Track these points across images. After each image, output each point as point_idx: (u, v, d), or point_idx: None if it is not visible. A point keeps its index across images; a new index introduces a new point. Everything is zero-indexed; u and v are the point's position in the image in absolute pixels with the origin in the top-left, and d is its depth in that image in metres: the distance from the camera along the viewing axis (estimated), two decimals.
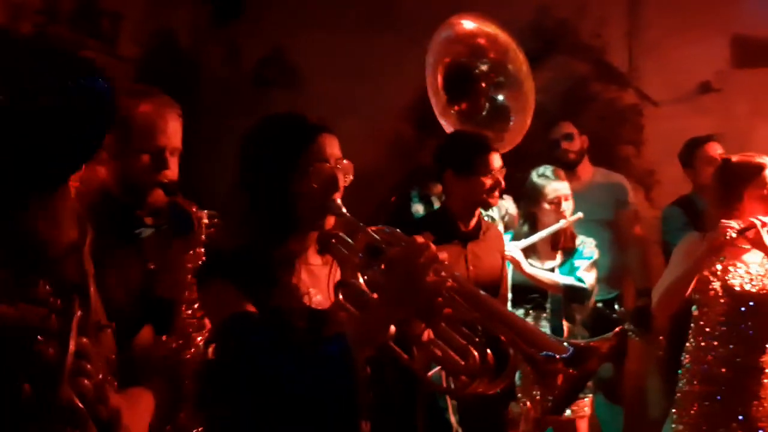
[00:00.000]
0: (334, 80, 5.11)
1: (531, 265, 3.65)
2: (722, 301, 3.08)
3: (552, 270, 3.69)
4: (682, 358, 3.21)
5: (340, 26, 5.28)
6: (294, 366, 1.59)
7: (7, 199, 1.17)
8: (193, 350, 2.06)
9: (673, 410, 3.19)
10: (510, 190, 4.31)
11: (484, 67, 3.76)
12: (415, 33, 4.51)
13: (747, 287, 3.07)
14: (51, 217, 1.22)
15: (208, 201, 2.21)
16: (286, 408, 1.61)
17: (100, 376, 1.19)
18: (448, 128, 3.55)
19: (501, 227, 3.67)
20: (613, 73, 5.16)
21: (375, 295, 1.68)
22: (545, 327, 3.59)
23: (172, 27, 5.09)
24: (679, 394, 3.17)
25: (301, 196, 1.74)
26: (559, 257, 3.72)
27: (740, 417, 3.04)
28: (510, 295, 3.60)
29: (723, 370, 3.06)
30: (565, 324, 3.62)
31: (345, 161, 1.80)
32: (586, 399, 3.71)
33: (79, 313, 1.16)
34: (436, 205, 3.71)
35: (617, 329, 1.73)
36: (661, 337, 3.90)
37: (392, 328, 1.68)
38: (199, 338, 2.07)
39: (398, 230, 1.72)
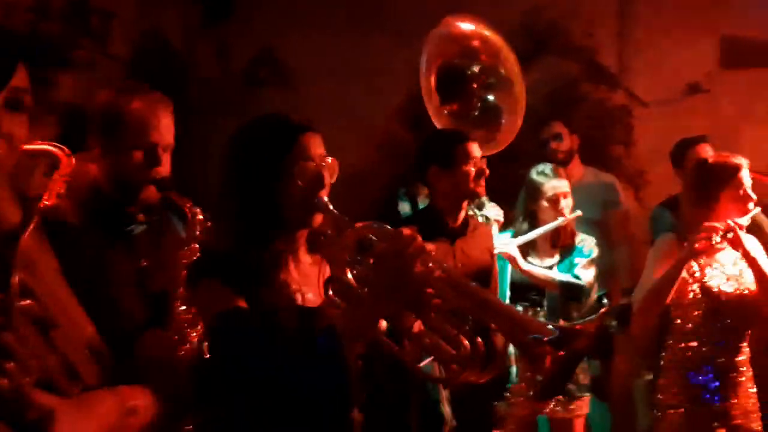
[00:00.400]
0: (325, 80, 5.11)
1: (529, 262, 3.66)
2: (700, 302, 3.09)
3: (550, 267, 3.70)
4: (663, 359, 3.21)
5: (331, 26, 5.28)
6: (285, 361, 1.59)
7: None
8: (188, 346, 2.06)
9: (655, 411, 3.19)
10: (500, 190, 4.35)
11: (476, 68, 3.78)
12: (407, 33, 4.52)
13: (724, 288, 3.09)
14: None
15: (198, 200, 2.21)
16: (279, 404, 1.62)
17: (28, 378, 1.18)
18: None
19: (496, 228, 3.68)
20: (603, 73, 5.19)
21: (365, 290, 1.69)
22: None
23: (163, 26, 5.08)
24: (660, 396, 3.17)
25: (287, 195, 1.76)
26: (557, 255, 3.73)
27: (719, 414, 3.06)
28: (509, 293, 3.62)
29: (705, 370, 3.08)
30: (562, 322, 3.62)
31: (330, 159, 1.81)
32: (583, 398, 3.70)
33: None
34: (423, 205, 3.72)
35: (601, 311, 1.76)
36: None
37: (383, 322, 1.69)
38: (193, 334, 2.07)
39: (386, 225, 1.73)
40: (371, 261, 1.67)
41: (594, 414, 4.22)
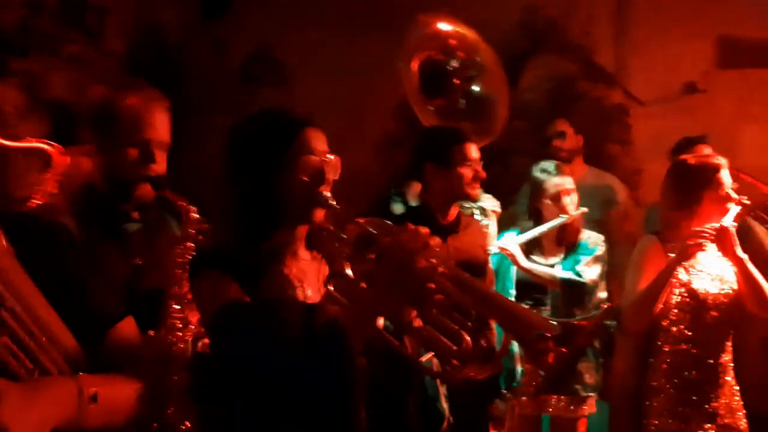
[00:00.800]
0: (321, 78, 5.10)
1: (533, 260, 3.64)
2: (686, 304, 3.07)
3: (553, 265, 3.68)
4: (650, 359, 3.19)
5: (328, 24, 5.27)
6: (288, 359, 1.58)
7: None
8: (181, 346, 2.04)
9: (647, 409, 3.18)
10: (496, 186, 4.34)
11: (455, 63, 3.79)
12: (402, 31, 4.50)
13: (709, 289, 3.07)
14: None
15: (193, 198, 2.19)
16: (281, 402, 1.61)
17: None
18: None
19: (494, 219, 3.66)
20: (601, 72, 5.19)
21: (365, 286, 1.69)
22: None
23: (159, 22, 5.06)
24: (649, 394, 3.16)
25: (289, 189, 1.75)
26: (562, 253, 3.71)
27: (707, 415, 3.05)
28: (514, 292, 3.60)
29: (689, 371, 3.07)
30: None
31: (332, 157, 1.80)
32: (589, 398, 3.67)
33: None
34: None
35: (603, 307, 1.75)
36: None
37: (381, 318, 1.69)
38: (187, 334, 2.05)
39: (388, 221, 1.73)
40: (372, 256, 1.66)
41: (592, 414, 4.22)
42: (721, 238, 3.01)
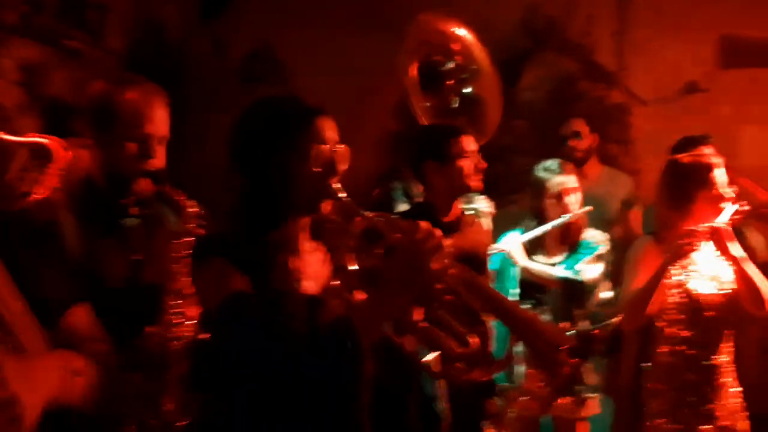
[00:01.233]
0: (321, 77, 5.09)
1: (534, 260, 3.63)
2: (682, 305, 3.06)
3: (555, 264, 3.66)
4: (648, 363, 3.18)
5: (328, 23, 5.27)
6: (295, 353, 1.56)
7: None
8: (179, 340, 2.04)
9: (644, 413, 3.17)
10: (497, 186, 4.33)
11: (450, 65, 3.81)
12: (403, 31, 4.50)
13: (705, 289, 3.06)
14: None
15: (193, 195, 2.19)
16: (285, 395, 1.58)
17: None
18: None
19: (489, 220, 3.65)
20: (602, 71, 5.18)
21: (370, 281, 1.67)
22: None
23: (159, 21, 5.06)
24: (646, 397, 3.15)
25: (299, 179, 1.71)
26: (565, 252, 3.70)
27: (704, 417, 3.04)
28: (516, 291, 3.59)
29: (687, 372, 3.06)
30: (564, 324, 3.59)
31: (342, 146, 1.77)
32: (592, 399, 3.66)
33: None
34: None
35: (615, 319, 1.74)
36: None
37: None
38: (185, 330, 2.05)
39: (398, 217, 1.71)
40: (380, 252, 1.65)
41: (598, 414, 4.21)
42: (714, 237, 3.00)
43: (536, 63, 5.06)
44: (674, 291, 3.07)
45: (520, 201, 4.47)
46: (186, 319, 2.07)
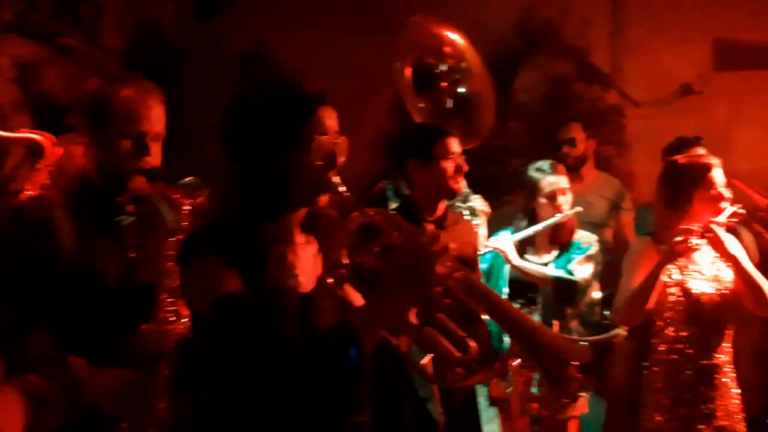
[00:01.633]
0: (317, 77, 5.06)
1: (526, 259, 3.64)
2: (681, 304, 3.08)
3: (546, 263, 3.68)
4: (646, 362, 3.20)
5: (325, 23, 5.27)
6: (298, 359, 1.49)
7: None
8: (173, 339, 2.04)
9: (643, 414, 3.18)
10: (491, 186, 4.35)
11: (443, 67, 3.83)
12: (398, 31, 4.51)
13: (704, 289, 3.08)
14: None
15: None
16: (288, 401, 1.52)
17: None
18: None
19: (485, 219, 3.66)
20: (596, 73, 5.20)
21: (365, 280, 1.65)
22: None
23: (155, 19, 5.05)
24: (645, 398, 3.16)
25: (300, 169, 1.64)
26: (555, 251, 3.71)
27: (703, 416, 3.05)
28: (507, 290, 3.60)
29: (686, 372, 3.08)
30: (555, 322, 3.60)
31: (342, 138, 1.70)
32: (582, 399, 3.67)
33: None
34: None
35: (613, 333, 1.72)
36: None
37: None
38: (179, 328, 2.05)
39: (398, 216, 1.66)
40: (377, 250, 1.62)
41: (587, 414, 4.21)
42: (711, 236, 3.02)
43: (531, 64, 5.08)
44: (673, 291, 3.08)
45: (514, 201, 4.48)
46: (180, 317, 2.06)
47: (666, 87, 5.17)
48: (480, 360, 1.61)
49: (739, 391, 3.11)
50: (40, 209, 2.10)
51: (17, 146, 1.70)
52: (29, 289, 2.05)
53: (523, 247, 3.65)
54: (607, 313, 4.03)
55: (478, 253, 3.42)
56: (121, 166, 2.09)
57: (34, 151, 1.72)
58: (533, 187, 3.70)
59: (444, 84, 3.83)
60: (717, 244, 3.03)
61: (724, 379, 3.08)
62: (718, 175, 3.08)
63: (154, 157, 2.12)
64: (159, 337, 2.06)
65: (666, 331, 3.11)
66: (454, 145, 3.03)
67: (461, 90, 3.85)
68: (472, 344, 1.61)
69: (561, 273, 3.59)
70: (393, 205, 3.48)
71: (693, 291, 3.07)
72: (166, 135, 2.18)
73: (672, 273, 3.08)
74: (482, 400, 3.54)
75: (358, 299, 1.72)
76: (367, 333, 1.50)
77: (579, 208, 3.68)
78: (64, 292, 2.06)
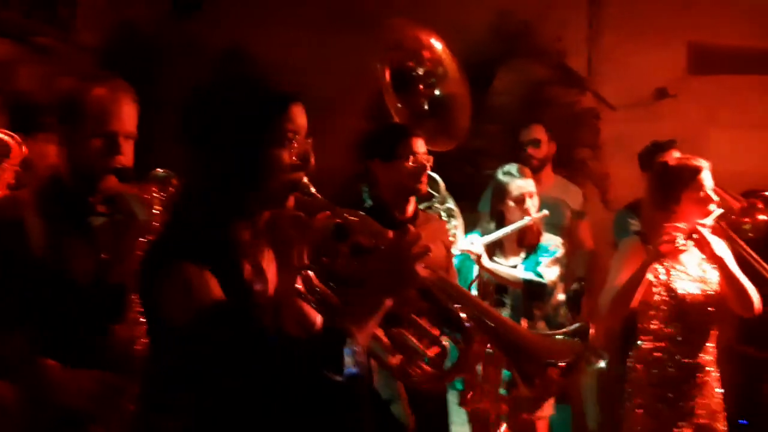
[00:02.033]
0: (294, 77, 5.05)
1: (495, 261, 3.66)
2: (665, 303, 3.12)
3: (515, 266, 3.71)
4: (628, 359, 3.25)
5: (303, 23, 5.26)
6: (297, 365, 1.46)
7: None
8: (143, 340, 2.03)
9: (624, 406, 3.22)
10: (468, 188, 4.36)
11: (420, 71, 3.86)
12: (376, 33, 4.51)
13: (689, 289, 3.12)
14: None
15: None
16: (287, 406, 1.47)
17: None
18: None
19: (461, 224, 3.67)
20: (572, 76, 5.23)
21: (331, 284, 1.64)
22: None
23: (132, 16, 5.01)
24: (627, 393, 3.20)
25: (276, 167, 1.57)
26: (523, 254, 3.74)
27: (684, 414, 3.09)
28: (475, 293, 3.61)
29: (668, 369, 3.11)
30: (524, 321, 3.62)
31: (309, 139, 1.65)
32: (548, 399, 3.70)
33: None
34: None
35: (579, 325, 1.72)
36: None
37: None
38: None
39: (370, 217, 1.66)
40: (346, 250, 1.62)
41: (555, 414, 4.24)
42: (696, 237, 3.06)
43: (508, 67, 5.09)
44: (659, 290, 3.12)
45: None
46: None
47: (641, 90, 5.21)
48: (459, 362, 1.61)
49: (722, 391, 3.16)
50: (10, 209, 2.09)
51: None
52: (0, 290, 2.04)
53: (491, 250, 3.67)
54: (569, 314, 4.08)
55: (453, 253, 3.44)
56: (92, 165, 2.08)
57: (0, 150, 1.70)
58: (501, 191, 3.73)
59: (421, 87, 3.85)
60: (703, 246, 3.07)
61: (706, 379, 3.12)
62: (706, 177, 3.12)
63: (126, 156, 2.10)
64: (130, 338, 2.05)
65: (650, 330, 3.16)
66: (418, 146, 3.04)
67: (438, 93, 3.88)
68: (444, 344, 1.62)
69: (531, 275, 3.63)
70: (369, 204, 3.49)
71: (678, 291, 3.12)
72: (144, 135, 2.17)
73: (659, 273, 3.13)
74: (452, 399, 3.57)
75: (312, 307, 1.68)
76: (360, 333, 1.50)
77: (545, 212, 3.73)
78: (35, 292, 2.04)
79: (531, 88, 5.17)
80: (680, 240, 3.02)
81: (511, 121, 4.73)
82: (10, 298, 2.03)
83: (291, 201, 1.63)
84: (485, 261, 3.59)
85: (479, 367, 3.12)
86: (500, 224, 3.72)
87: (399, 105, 3.76)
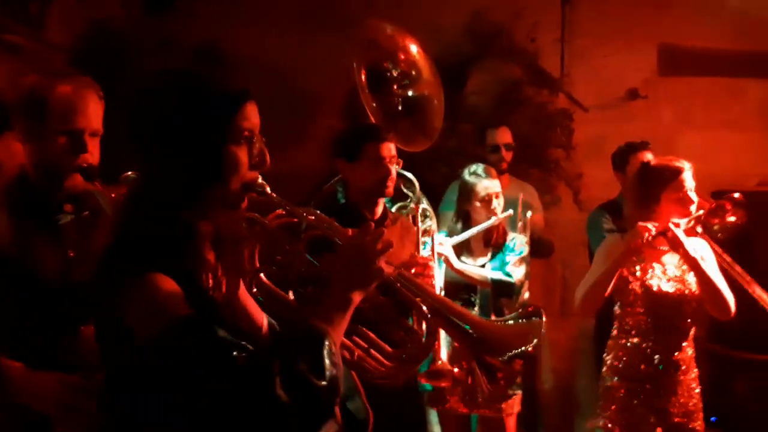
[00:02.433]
0: (268, 75, 5.06)
1: (462, 261, 3.68)
2: (641, 300, 3.17)
3: (483, 266, 3.73)
4: (604, 355, 3.30)
5: (277, 22, 5.24)
6: (274, 370, 1.39)
7: None
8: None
9: (598, 405, 3.26)
10: (445, 189, 4.37)
11: (394, 72, 3.87)
12: (352, 32, 4.51)
13: (664, 287, 3.16)
14: None
15: None
16: (266, 416, 1.40)
17: None
18: None
19: (435, 224, 3.68)
20: (546, 77, 5.26)
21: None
22: None
23: (104, 15, 4.96)
24: (601, 390, 3.25)
25: (234, 166, 1.52)
26: (489, 253, 3.76)
27: (658, 412, 3.13)
28: (443, 293, 3.63)
29: (642, 366, 3.16)
30: (493, 317, 3.65)
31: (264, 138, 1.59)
32: (514, 397, 3.72)
33: None
34: None
35: (530, 308, 1.73)
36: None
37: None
38: None
39: (326, 216, 1.66)
40: (301, 247, 1.61)
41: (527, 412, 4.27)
42: (668, 237, 3.09)
43: (482, 68, 5.11)
44: (635, 287, 3.17)
45: None
46: None
47: (613, 92, 5.26)
48: (410, 356, 1.62)
49: (699, 390, 3.20)
50: None
51: None
52: None
53: (458, 250, 3.70)
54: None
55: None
56: (57, 163, 2.06)
57: None
58: (469, 191, 3.76)
59: (395, 87, 3.86)
60: (676, 245, 3.10)
61: (682, 378, 3.16)
62: (687, 178, 3.16)
63: (92, 154, 2.08)
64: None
65: (625, 326, 3.21)
66: (385, 150, 3.04)
67: (412, 94, 3.89)
68: (410, 341, 1.62)
69: (499, 275, 3.65)
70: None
71: (653, 288, 3.15)
72: (116, 134, 2.14)
73: (635, 270, 3.17)
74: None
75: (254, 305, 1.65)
76: (334, 332, 1.48)
77: (510, 211, 3.76)
78: (0, 291, 2.01)
79: (505, 88, 5.19)
80: (648, 236, 3.06)
81: (485, 122, 4.75)
82: None
83: (245, 202, 1.57)
84: (455, 262, 3.61)
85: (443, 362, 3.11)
86: (467, 224, 3.75)
87: (374, 104, 3.77)
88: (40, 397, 1.98)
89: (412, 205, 3.65)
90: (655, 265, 3.20)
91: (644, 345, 3.16)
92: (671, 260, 3.20)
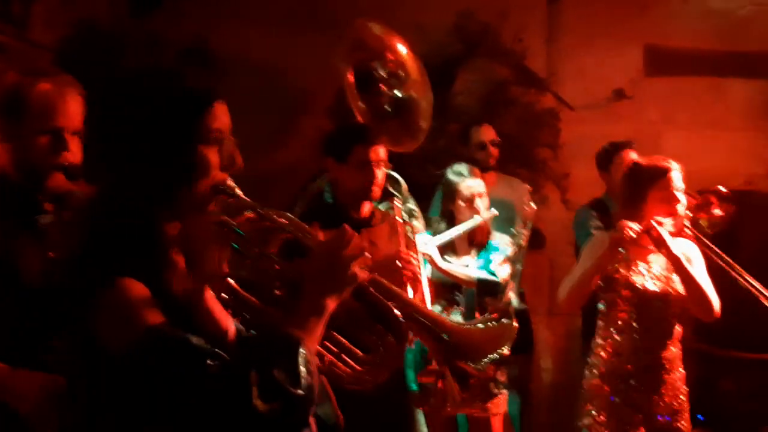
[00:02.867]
0: (256, 75, 5.05)
1: (447, 261, 3.69)
2: (626, 299, 3.17)
3: (467, 265, 3.73)
4: (589, 353, 3.30)
5: (265, 21, 5.23)
6: (250, 378, 1.36)
7: None
8: None
9: (581, 404, 3.27)
10: (433, 189, 4.37)
11: (383, 72, 3.87)
12: (339, 32, 4.50)
13: (649, 286, 3.17)
14: None
15: None
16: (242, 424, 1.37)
17: None
18: None
19: (422, 224, 3.68)
20: (532, 77, 5.27)
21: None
22: None
23: (90, 13, 4.94)
24: (584, 388, 3.25)
25: (200, 169, 1.48)
26: (474, 253, 3.77)
27: (642, 410, 3.14)
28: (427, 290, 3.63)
29: (627, 366, 3.16)
30: (478, 315, 3.65)
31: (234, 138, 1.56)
32: (500, 396, 3.73)
33: None
34: None
35: (492, 315, 1.72)
36: None
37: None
38: None
39: (297, 219, 1.63)
40: (274, 251, 1.58)
41: (515, 410, 4.27)
42: (651, 235, 3.10)
43: (469, 68, 5.12)
44: (621, 286, 3.18)
45: None
46: None
47: (599, 92, 5.28)
48: (383, 360, 1.61)
49: (686, 389, 3.20)
50: None
51: None
52: None
53: (443, 250, 3.70)
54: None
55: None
56: (38, 162, 2.05)
57: None
58: (452, 191, 3.76)
59: (383, 87, 3.85)
60: (659, 243, 3.11)
61: (666, 377, 3.16)
62: (675, 178, 3.17)
63: (74, 154, 2.07)
64: None
65: (611, 324, 3.22)
66: (373, 153, 3.04)
67: (399, 95, 3.89)
68: (377, 344, 1.62)
69: (484, 274, 3.66)
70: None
71: (637, 286, 3.16)
72: (102, 134, 2.12)
73: (620, 267, 3.19)
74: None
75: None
76: (308, 339, 1.45)
77: (494, 211, 3.76)
78: None
79: (492, 88, 5.20)
80: (631, 233, 3.07)
81: (472, 121, 4.75)
82: None
83: (213, 204, 1.54)
84: (440, 262, 3.61)
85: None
86: (450, 224, 3.76)
87: (361, 105, 3.77)
88: (23, 397, 1.96)
89: (398, 204, 3.65)
90: (640, 263, 3.21)
91: (629, 344, 3.16)
92: (657, 259, 3.21)
